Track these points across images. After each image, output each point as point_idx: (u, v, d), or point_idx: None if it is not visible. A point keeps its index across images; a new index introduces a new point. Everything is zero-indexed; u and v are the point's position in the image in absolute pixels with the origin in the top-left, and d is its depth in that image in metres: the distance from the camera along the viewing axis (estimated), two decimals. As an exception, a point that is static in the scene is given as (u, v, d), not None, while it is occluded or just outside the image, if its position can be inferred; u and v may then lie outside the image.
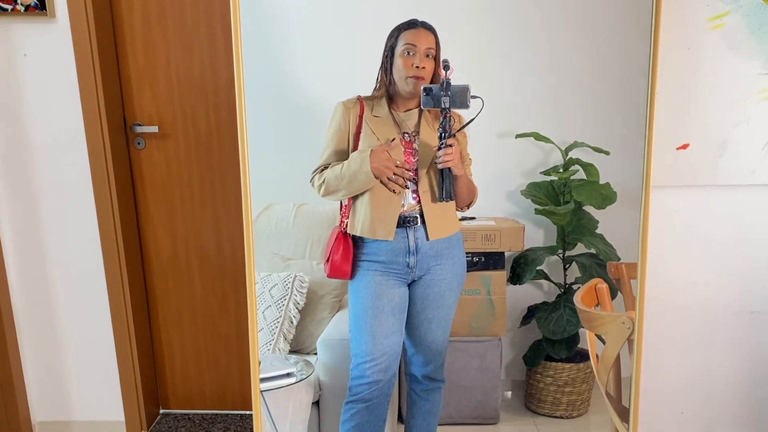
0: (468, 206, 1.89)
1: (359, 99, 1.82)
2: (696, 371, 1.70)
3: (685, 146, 1.58)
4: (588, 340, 1.82)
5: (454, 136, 1.75)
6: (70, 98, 2.20)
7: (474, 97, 1.71)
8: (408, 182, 1.78)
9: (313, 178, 1.84)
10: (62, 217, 2.34)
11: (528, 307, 2.48)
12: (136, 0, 2.25)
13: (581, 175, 2.34)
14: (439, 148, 1.73)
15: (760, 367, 1.68)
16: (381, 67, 1.82)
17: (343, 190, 1.80)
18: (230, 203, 2.40)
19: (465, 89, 1.70)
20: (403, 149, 1.77)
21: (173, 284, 2.52)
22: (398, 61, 1.75)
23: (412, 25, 1.79)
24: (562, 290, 2.42)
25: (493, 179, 2.47)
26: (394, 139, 1.76)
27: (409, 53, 1.74)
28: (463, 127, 1.81)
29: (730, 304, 1.64)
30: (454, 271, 1.87)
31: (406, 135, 1.80)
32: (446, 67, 1.70)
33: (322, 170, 1.82)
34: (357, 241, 1.83)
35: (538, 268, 2.35)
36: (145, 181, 2.41)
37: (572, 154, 2.34)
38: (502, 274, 2.34)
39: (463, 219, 2.38)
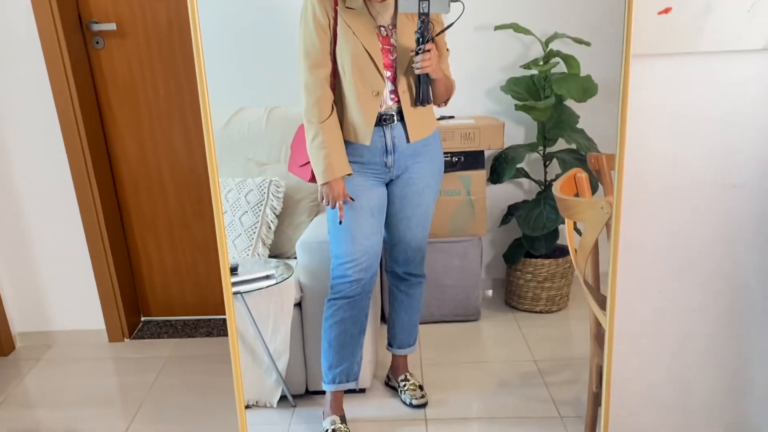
0: (445, 102, 1.84)
1: None
2: (674, 248, 1.70)
3: (666, 10, 1.49)
4: (566, 233, 1.82)
5: (433, 40, 1.67)
6: (17, -6, 2.09)
7: (454, 0, 1.62)
8: (387, 82, 1.71)
9: (310, 97, 1.70)
10: (23, 125, 2.26)
11: (508, 206, 2.49)
12: None
13: (562, 68, 2.29)
14: (417, 53, 1.65)
15: (739, 237, 1.69)
16: None
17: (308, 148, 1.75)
18: (199, 104, 2.29)
19: None
20: (381, 46, 1.69)
21: (145, 191, 2.49)
22: None
23: None
24: (543, 187, 2.43)
25: (472, 76, 2.42)
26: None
27: None
28: (441, 32, 1.73)
29: (710, 179, 1.61)
30: (432, 169, 1.85)
31: (383, 29, 1.70)
32: None
33: (319, 89, 1.69)
34: None
35: (518, 166, 2.34)
36: (108, 83, 2.33)
37: (552, 46, 2.29)
38: (481, 174, 2.33)
39: (441, 118, 2.35)
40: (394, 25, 1.71)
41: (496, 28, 2.27)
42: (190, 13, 1.41)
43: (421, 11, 1.62)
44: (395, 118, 1.74)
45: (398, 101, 1.73)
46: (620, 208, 1.53)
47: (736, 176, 1.59)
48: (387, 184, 1.83)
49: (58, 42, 2.12)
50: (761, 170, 1.57)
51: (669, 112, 1.59)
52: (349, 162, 1.76)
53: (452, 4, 1.63)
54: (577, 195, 1.77)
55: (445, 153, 2.20)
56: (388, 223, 1.88)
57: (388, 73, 1.71)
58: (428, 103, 1.74)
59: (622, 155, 1.50)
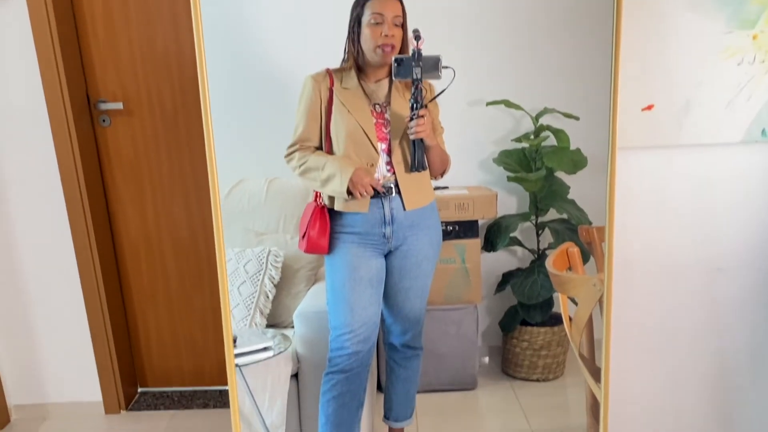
0: (441, 175, 1.87)
1: (328, 72, 1.78)
2: (664, 329, 1.75)
3: (650, 107, 1.59)
4: (561, 304, 1.83)
5: (426, 106, 1.72)
6: (30, 76, 2.14)
7: (446, 67, 1.68)
8: (381, 154, 1.76)
9: (290, 155, 1.80)
10: (29, 199, 2.29)
11: (502, 274, 2.48)
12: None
13: (552, 141, 2.33)
14: (411, 119, 1.71)
15: (723, 319, 1.72)
16: (348, 37, 1.77)
17: (317, 185, 1.78)
18: (201, 179, 2.36)
19: (436, 59, 1.68)
20: (375, 120, 1.75)
21: (146, 263, 2.49)
22: (366, 31, 1.71)
23: None
24: (536, 256, 2.42)
25: (465, 148, 2.42)
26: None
27: (376, 22, 1.70)
28: (435, 97, 1.79)
29: (696, 262, 1.68)
30: (430, 240, 1.86)
31: (377, 106, 1.77)
32: (417, 37, 1.66)
33: (299, 148, 1.78)
34: (333, 214, 1.80)
35: (511, 235, 2.35)
36: (112, 160, 2.36)
37: (543, 121, 2.33)
38: (476, 242, 2.34)
39: (436, 189, 2.31)
40: (389, 102, 1.77)
41: (488, 104, 2.31)
42: (200, 88, 1.47)
43: (415, 77, 1.68)
44: (393, 189, 1.77)
45: (394, 172, 1.76)
46: (611, 286, 1.57)
47: (720, 261, 1.64)
48: (385, 256, 1.84)
49: (66, 121, 2.17)
50: (743, 255, 1.62)
51: (654, 199, 1.65)
52: (347, 233, 1.78)
53: (444, 70, 1.67)
54: (569, 268, 1.80)
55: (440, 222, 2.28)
56: (386, 294, 1.88)
57: (383, 146, 1.76)
58: (423, 169, 1.77)
59: (611, 238, 1.55)
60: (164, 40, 2.25)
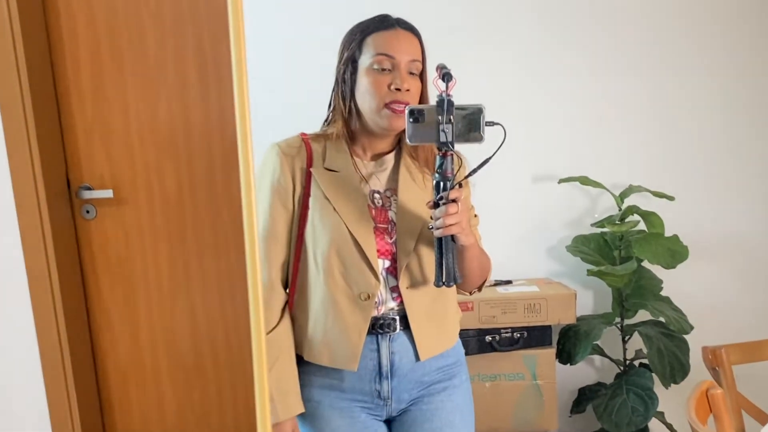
0: (479, 288, 1.31)
1: (304, 140, 1.22)
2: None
3: None
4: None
5: (460, 185, 1.13)
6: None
7: (491, 123, 1.09)
8: (383, 275, 1.20)
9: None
10: None
11: (578, 390, 2.13)
12: (81, 36, 1.92)
13: (640, 225, 2.01)
14: (436, 205, 1.11)
15: None
16: (334, 89, 1.23)
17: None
18: (210, 285, 2.03)
19: (477, 112, 1.08)
20: (373, 224, 1.19)
21: (136, 394, 2.11)
22: (365, 81, 1.16)
23: (384, 23, 1.19)
24: (622, 368, 2.07)
25: (529, 233, 2.20)
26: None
27: (382, 68, 1.15)
28: (476, 170, 1.15)
29: None
30: (456, 403, 1.29)
31: (378, 197, 1.22)
32: (446, 76, 1.06)
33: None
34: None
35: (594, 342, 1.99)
36: (97, 261, 2.03)
37: (628, 201, 2.03)
38: (549, 353, 2.00)
39: (497, 284, 2.07)
40: (394, 190, 1.22)
41: (561, 181, 2.06)
42: (242, 168, 1.04)
43: (443, 140, 1.07)
44: (396, 323, 1.21)
45: (401, 301, 1.21)
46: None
47: None
48: (387, 421, 1.28)
49: (39, 214, 1.85)
50: None
51: None
52: (323, 388, 1.24)
53: (488, 128, 1.08)
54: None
55: (505, 328, 1.94)
56: None
57: (386, 263, 1.20)
58: (454, 282, 1.15)
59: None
60: (168, 113, 1.96)
